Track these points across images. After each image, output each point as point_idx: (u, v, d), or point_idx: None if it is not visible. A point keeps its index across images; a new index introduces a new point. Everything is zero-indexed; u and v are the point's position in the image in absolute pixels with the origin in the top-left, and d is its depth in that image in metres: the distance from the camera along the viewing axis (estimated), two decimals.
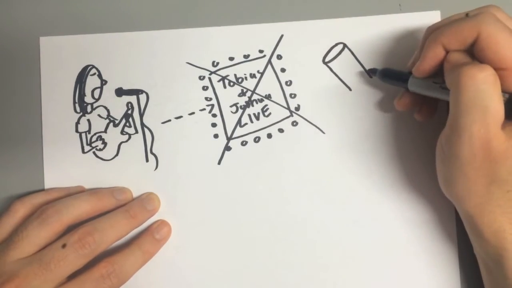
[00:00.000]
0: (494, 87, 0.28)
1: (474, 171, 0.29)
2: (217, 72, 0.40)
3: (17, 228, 0.35)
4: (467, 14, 0.32)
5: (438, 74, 0.32)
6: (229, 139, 0.39)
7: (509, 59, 0.29)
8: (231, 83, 0.40)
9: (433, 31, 0.32)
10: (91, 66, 0.40)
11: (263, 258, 0.38)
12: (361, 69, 0.39)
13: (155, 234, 0.37)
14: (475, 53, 0.30)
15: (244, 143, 0.39)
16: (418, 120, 0.36)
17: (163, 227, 0.38)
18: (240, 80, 0.40)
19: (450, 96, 0.29)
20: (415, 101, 0.36)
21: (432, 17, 0.38)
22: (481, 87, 0.28)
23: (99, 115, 0.40)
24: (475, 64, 0.28)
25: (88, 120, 0.40)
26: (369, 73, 0.38)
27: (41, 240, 0.34)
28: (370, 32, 0.39)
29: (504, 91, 0.29)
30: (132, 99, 0.40)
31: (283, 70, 0.39)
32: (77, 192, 0.38)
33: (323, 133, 0.39)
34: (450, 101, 0.30)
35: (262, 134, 0.39)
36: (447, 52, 0.31)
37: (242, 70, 0.40)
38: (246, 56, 0.40)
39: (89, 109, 0.40)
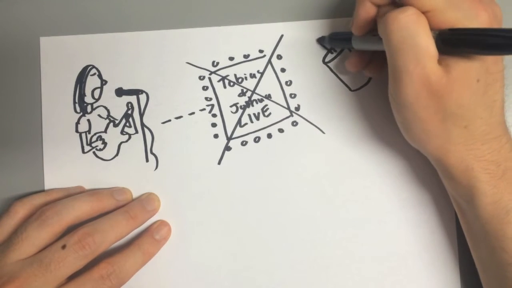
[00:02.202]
0: (418, 24, 0.29)
1: (423, 110, 0.30)
2: (217, 72, 0.40)
3: (17, 229, 0.35)
4: None
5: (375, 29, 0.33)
6: (229, 139, 0.39)
7: (430, 1, 0.29)
8: (231, 83, 0.40)
9: None
10: (91, 66, 0.40)
11: (263, 258, 0.38)
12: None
13: (155, 234, 0.37)
14: (401, 2, 0.31)
15: (244, 143, 0.39)
16: (367, 76, 0.38)
17: (162, 227, 0.38)
18: (240, 80, 0.40)
19: (384, 45, 0.30)
20: (363, 59, 0.37)
21: None
22: (406, 26, 0.29)
23: (99, 115, 0.40)
24: (398, 9, 0.29)
25: (88, 120, 0.40)
26: (319, 43, 0.39)
27: (41, 241, 0.34)
28: None
29: (433, 29, 0.29)
30: (132, 99, 0.40)
31: (283, 70, 0.39)
32: (77, 193, 0.38)
33: (323, 133, 0.39)
34: (385, 50, 0.30)
35: (262, 134, 0.39)
36: (379, 8, 0.32)
37: (242, 70, 0.40)
38: (246, 56, 0.40)
39: (89, 109, 0.40)
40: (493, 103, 0.30)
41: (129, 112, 0.40)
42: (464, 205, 0.33)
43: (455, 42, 0.28)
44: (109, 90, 0.40)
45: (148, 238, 0.37)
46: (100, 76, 0.40)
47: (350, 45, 0.36)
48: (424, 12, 0.29)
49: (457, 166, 0.31)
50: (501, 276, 0.31)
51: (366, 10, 0.32)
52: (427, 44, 0.28)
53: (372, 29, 0.33)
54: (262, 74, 0.40)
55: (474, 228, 0.33)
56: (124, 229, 0.36)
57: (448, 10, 0.29)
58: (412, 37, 0.28)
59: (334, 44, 0.38)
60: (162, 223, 0.38)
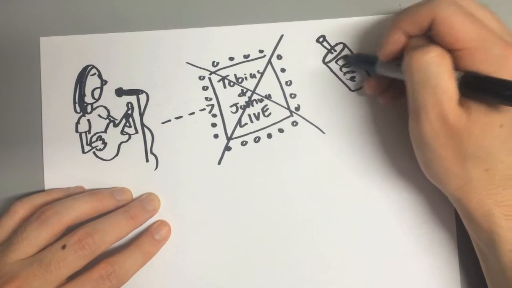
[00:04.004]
0: (440, 66, 0.29)
1: (442, 149, 0.30)
2: (217, 72, 0.40)
3: (16, 229, 0.35)
4: None
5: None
6: (229, 139, 0.39)
7: (465, 40, 0.29)
8: (231, 83, 0.40)
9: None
10: (91, 66, 0.40)
11: (263, 258, 0.38)
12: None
13: (155, 234, 0.37)
14: (432, 36, 0.31)
15: (244, 143, 0.39)
16: (382, 103, 0.38)
17: (162, 227, 0.38)
18: (240, 80, 0.40)
19: (405, 81, 0.31)
20: (381, 84, 0.37)
21: None
22: (428, 68, 0.29)
23: (99, 115, 0.40)
24: (422, 48, 0.30)
25: (88, 120, 0.40)
26: (347, 60, 0.39)
27: (41, 241, 0.34)
28: (370, 32, 0.39)
29: (461, 70, 0.29)
30: (132, 99, 0.40)
31: (283, 70, 0.39)
32: (77, 193, 0.38)
33: (323, 133, 0.39)
34: (407, 87, 0.31)
35: (262, 134, 0.39)
36: (409, 37, 0.32)
37: (242, 70, 0.40)
38: (246, 56, 0.40)
39: (89, 109, 0.40)
40: None
41: (129, 112, 0.40)
42: (484, 248, 0.32)
43: (477, 88, 0.29)
44: (109, 90, 0.40)
45: (148, 238, 0.37)
46: (100, 76, 0.40)
47: (373, 69, 0.36)
48: (454, 50, 0.29)
49: (477, 210, 0.31)
50: None
51: (396, 38, 0.32)
52: (447, 85, 0.29)
53: (398, 57, 0.33)
54: (262, 74, 0.40)
55: (494, 271, 0.32)
56: (124, 229, 0.36)
57: (478, 51, 0.29)
58: (433, 78, 0.29)
59: (358, 64, 0.38)
60: (162, 223, 0.38)
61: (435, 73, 0.29)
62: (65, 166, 0.39)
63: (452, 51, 0.30)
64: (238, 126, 0.39)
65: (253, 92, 0.40)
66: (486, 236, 0.31)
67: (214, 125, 0.39)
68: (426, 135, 0.30)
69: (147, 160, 0.39)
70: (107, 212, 0.37)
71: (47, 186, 0.39)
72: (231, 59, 0.40)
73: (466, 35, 0.29)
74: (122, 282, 0.35)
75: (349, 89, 0.39)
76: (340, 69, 0.39)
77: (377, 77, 0.37)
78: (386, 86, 0.37)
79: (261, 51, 0.40)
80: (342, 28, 0.39)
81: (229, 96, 0.40)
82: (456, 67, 0.30)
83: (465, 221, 0.33)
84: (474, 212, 0.31)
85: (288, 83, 0.39)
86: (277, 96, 0.39)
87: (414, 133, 0.32)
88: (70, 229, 0.35)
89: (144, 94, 0.40)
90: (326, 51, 0.39)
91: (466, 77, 0.29)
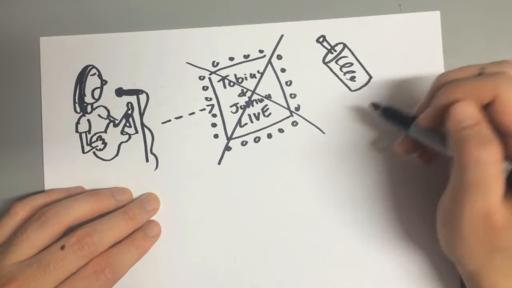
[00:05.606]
0: (496, 166, 0.28)
1: (476, 240, 0.29)
2: (217, 72, 0.40)
3: (16, 230, 0.35)
4: (480, 70, 0.31)
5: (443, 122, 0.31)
6: (229, 139, 0.39)
7: None
8: (231, 83, 0.40)
9: (446, 82, 0.31)
10: (91, 66, 0.40)
11: (263, 258, 0.38)
12: (361, 69, 0.39)
13: (147, 231, 0.37)
14: (489, 113, 0.29)
15: (244, 143, 0.39)
16: (417, 165, 0.36)
17: (153, 226, 0.38)
18: (240, 80, 0.40)
19: (453, 167, 0.29)
20: (416, 146, 0.35)
21: (432, 17, 0.38)
22: (484, 169, 0.28)
23: (99, 115, 0.40)
24: (479, 142, 0.28)
25: (88, 120, 0.40)
26: (376, 107, 0.37)
27: (40, 242, 0.34)
28: (370, 32, 0.39)
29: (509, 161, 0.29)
30: (132, 99, 0.40)
31: (283, 70, 0.39)
32: (77, 193, 0.38)
33: (323, 133, 0.39)
34: (452, 171, 0.30)
35: (262, 134, 0.39)
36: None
37: (242, 70, 0.40)
38: (246, 56, 0.40)
39: (89, 109, 0.40)
40: None
41: (129, 112, 0.40)
42: None
43: None
44: (109, 90, 0.40)
45: (140, 233, 0.37)
46: (100, 76, 0.40)
47: (406, 129, 0.34)
48: (508, 135, 0.29)
49: None
50: None
51: (446, 105, 0.30)
52: (499, 187, 0.28)
53: (439, 123, 0.31)
54: (262, 74, 0.40)
55: None
56: (123, 229, 0.36)
57: None
58: (488, 179, 0.28)
59: (387, 119, 0.35)
60: (152, 222, 0.38)
61: (491, 174, 0.28)
62: (65, 166, 0.39)
63: (505, 135, 0.29)
64: (238, 126, 0.39)
65: (253, 92, 0.39)
66: None
67: (214, 125, 0.39)
68: (464, 226, 0.29)
69: (147, 160, 0.39)
70: (108, 212, 0.37)
71: (47, 186, 0.39)
72: (231, 59, 0.40)
73: None
74: (118, 276, 0.35)
75: (349, 89, 0.39)
76: (340, 69, 0.39)
77: (412, 140, 0.35)
78: (421, 148, 0.35)
79: (261, 51, 0.40)
80: (342, 28, 0.39)
81: (229, 96, 0.40)
82: (505, 155, 0.29)
83: None
84: None
85: (288, 83, 0.39)
86: (277, 96, 0.39)
87: (448, 216, 0.30)
88: (70, 230, 0.35)
89: (144, 94, 0.40)
90: (326, 51, 0.39)
91: None
